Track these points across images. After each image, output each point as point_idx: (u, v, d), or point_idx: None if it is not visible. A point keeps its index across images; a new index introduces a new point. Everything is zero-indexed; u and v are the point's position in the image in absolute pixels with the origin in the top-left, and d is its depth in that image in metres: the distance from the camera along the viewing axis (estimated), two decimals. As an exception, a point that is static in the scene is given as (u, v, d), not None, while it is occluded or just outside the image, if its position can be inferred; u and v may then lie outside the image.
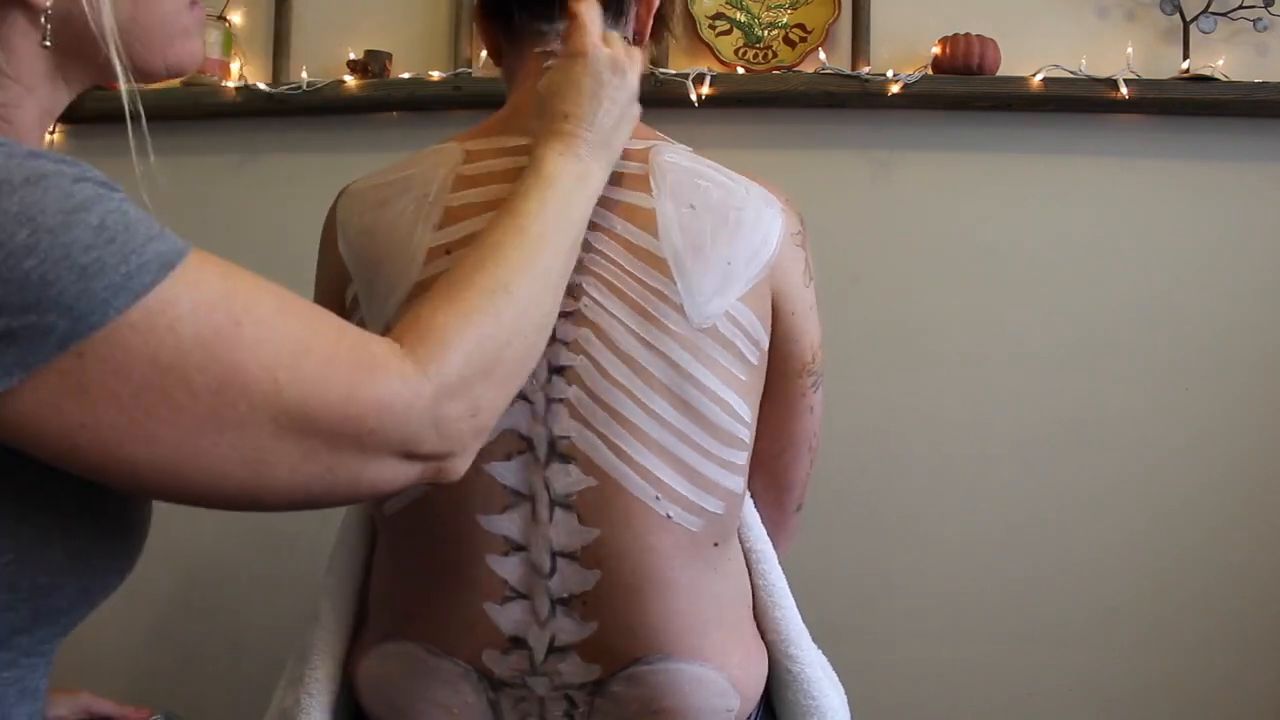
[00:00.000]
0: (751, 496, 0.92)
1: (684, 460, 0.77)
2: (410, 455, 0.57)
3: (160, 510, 0.61)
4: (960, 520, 1.57)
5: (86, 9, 0.55)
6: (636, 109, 0.81)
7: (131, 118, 0.59)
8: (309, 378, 0.52)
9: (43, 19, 0.55)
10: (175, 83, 1.64)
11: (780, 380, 0.87)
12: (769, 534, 0.91)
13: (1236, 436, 1.54)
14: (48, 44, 0.56)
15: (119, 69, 0.57)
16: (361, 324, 0.81)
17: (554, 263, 0.68)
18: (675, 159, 0.83)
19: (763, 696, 0.86)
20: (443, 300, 0.62)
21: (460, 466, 0.62)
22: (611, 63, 0.77)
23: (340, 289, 0.84)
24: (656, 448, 0.76)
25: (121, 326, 0.47)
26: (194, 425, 0.50)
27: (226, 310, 0.51)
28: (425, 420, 0.57)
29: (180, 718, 0.91)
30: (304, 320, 0.55)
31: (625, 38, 0.87)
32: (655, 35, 0.93)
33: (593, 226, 0.78)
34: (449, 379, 0.58)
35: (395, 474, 0.57)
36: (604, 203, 0.79)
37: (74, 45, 0.57)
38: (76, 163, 0.50)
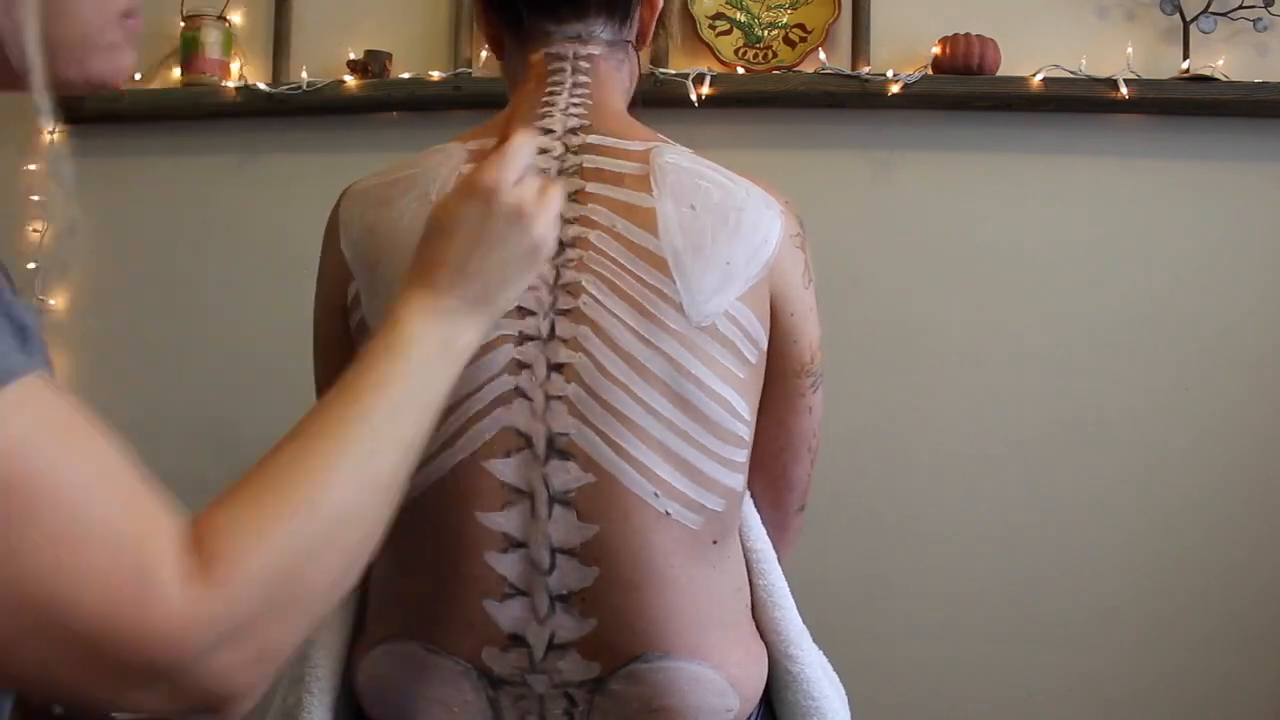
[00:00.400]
0: (752, 497, 0.92)
1: (683, 457, 0.77)
2: (175, 694, 0.49)
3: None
4: (960, 520, 1.57)
5: (4, 19, 0.51)
6: (539, 257, 0.68)
7: (51, 125, 0.54)
8: (70, 576, 0.45)
9: None
10: (176, 82, 1.64)
11: (779, 380, 0.87)
12: (771, 535, 0.91)
13: (1236, 436, 1.54)
14: None
15: (35, 81, 0.52)
16: (362, 322, 0.81)
17: (389, 459, 0.57)
18: (676, 160, 0.83)
19: (763, 697, 0.86)
20: (250, 510, 0.52)
21: (239, 709, 0.52)
22: (514, 212, 0.66)
23: (342, 288, 0.85)
24: (655, 444, 0.76)
25: None
26: None
27: (11, 468, 0.44)
28: (195, 667, 0.48)
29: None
30: (98, 503, 0.47)
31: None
32: (654, 35, 0.93)
33: (593, 225, 0.78)
34: (233, 621, 0.49)
35: (158, 703, 0.49)
36: (604, 202, 0.79)
37: None
38: None
